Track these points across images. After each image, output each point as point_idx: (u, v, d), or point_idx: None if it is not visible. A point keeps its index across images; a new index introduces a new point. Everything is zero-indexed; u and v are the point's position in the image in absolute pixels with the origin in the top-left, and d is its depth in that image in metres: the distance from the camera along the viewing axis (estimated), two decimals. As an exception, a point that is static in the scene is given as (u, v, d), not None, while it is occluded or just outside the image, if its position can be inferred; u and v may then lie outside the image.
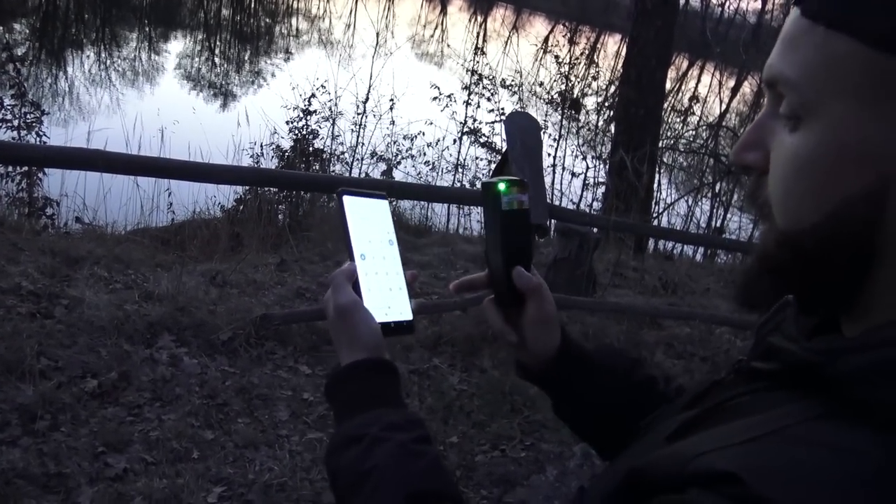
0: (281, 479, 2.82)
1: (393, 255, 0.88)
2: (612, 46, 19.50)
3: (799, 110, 0.52)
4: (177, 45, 15.79)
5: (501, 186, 0.79)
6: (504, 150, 4.12)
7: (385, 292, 0.85)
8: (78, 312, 3.55)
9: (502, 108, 8.75)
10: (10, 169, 5.50)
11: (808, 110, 0.52)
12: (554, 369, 0.87)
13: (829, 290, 0.55)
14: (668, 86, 12.34)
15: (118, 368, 3.20)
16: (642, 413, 0.83)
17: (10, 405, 2.84)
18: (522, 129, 3.95)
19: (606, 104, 10.61)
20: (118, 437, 2.83)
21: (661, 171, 8.93)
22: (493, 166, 8.25)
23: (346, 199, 0.84)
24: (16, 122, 5.80)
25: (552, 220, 5.39)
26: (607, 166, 8.67)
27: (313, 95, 7.33)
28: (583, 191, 8.71)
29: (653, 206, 8.35)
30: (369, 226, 0.86)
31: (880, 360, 0.48)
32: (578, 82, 10.36)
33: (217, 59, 15.17)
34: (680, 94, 14.49)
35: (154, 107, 7.84)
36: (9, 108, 5.87)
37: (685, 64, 17.39)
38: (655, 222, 8.01)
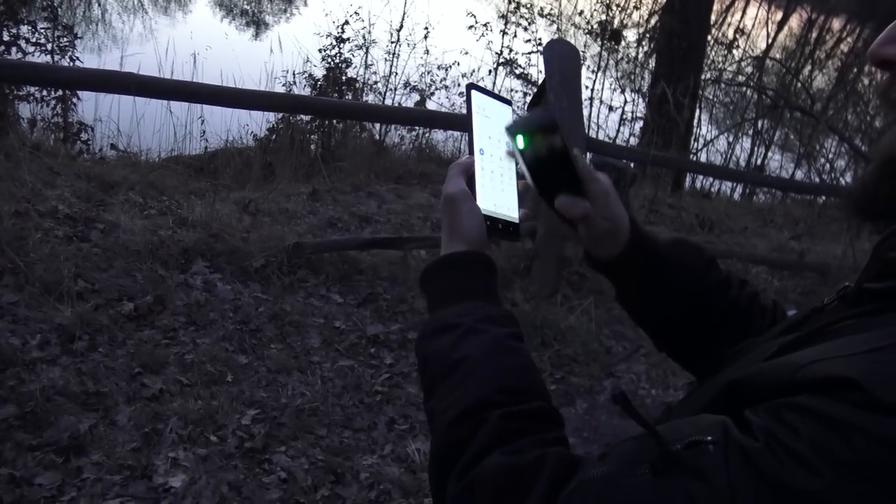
0: (313, 404, 2.86)
1: (510, 160, 0.87)
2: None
3: None
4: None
5: (521, 143, 0.77)
6: (542, 79, 3.99)
7: (498, 192, 0.84)
8: (114, 237, 3.58)
9: (539, 39, 8.49)
10: (44, 93, 5.51)
11: None
12: (622, 263, 0.83)
13: None
14: (713, 18, 11.88)
15: (153, 292, 3.24)
16: (708, 313, 0.83)
17: (49, 325, 2.89)
18: (561, 57, 3.82)
19: (647, 36, 10.24)
20: (154, 358, 2.88)
21: (702, 106, 8.65)
22: (528, 99, 8.07)
23: (474, 94, 0.85)
24: (49, 47, 5.77)
25: (589, 154, 5.28)
26: (646, 100, 8.43)
27: (346, 23, 7.17)
28: (620, 125, 8.50)
29: (692, 142, 8.13)
30: (492, 125, 0.86)
31: None
32: (619, 12, 10.00)
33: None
34: (725, 26, 13.95)
35: (186, 33, 7.75)
36: (42, 31, 5.83)
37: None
38: (694, 159, 7.81)
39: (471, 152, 0.82)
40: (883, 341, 0.47)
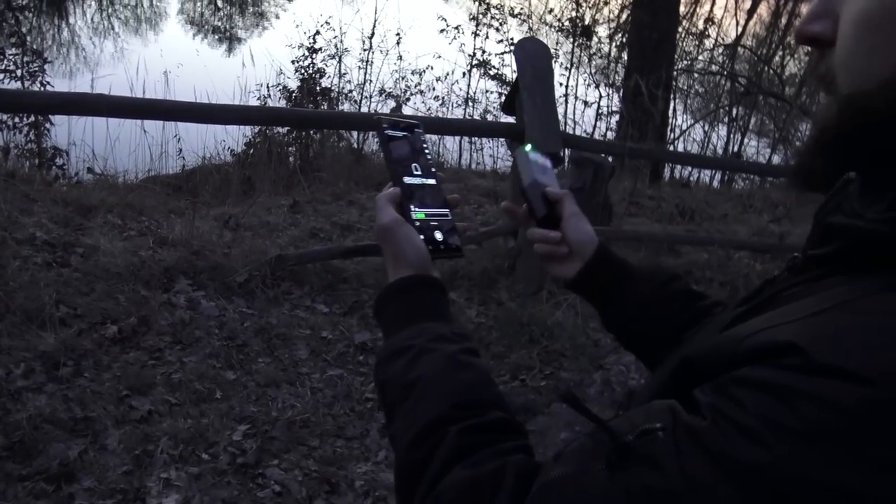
0: (304, 416, 2.85)
1: (434, 182, 0.90)
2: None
3: None
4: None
5: (528, 147, 0.95)
6: (515, 78, 4.01)
7: (431, 216, 0.86)
8: (94, 260, 3.55)
9: (511, 39, 8.52)
10: (16, 120, 5.46)
11: None
12: (591, 272, 0.91)
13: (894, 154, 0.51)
14: (683, 10, 11.97)
15: (137, 313, 3.21)
16: (683, 325, 0.84)
17: (33, 353, 2.87)
18: (533, 55, 3.84)
19: (619, 30, 10.30)
20: (141, 380, 2.86)
21: (676, 96, 8.71)
22: (503, 99, 8.09)
23: (385, 127, 0.89)
24: (19, 73, 5.72)
25: (566, 150, 5.30)
26: (621, 93, 8.47)
27: (317, 33, 7.16)
28: (596, 120, 8.54)
29: (668, 133, 8.19)
30: (409, 153, 0.90)
31: None
32: (589, 8, 10.05)
33: (219, 2, 14.86)
34: (695, 17, 14.05)
35: (158, 51, 7.71)
36: (11, 57, 5.78)
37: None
38: (672, 149, 7.86)
39: (394, 182, 0.86)
40: (824, 304, 0.47)
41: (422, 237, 0.82)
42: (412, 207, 0.84)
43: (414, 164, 0.88)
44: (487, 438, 0.63)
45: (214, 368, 3.04)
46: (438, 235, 0.85)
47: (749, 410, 0.44)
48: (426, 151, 0.91)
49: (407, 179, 0.86)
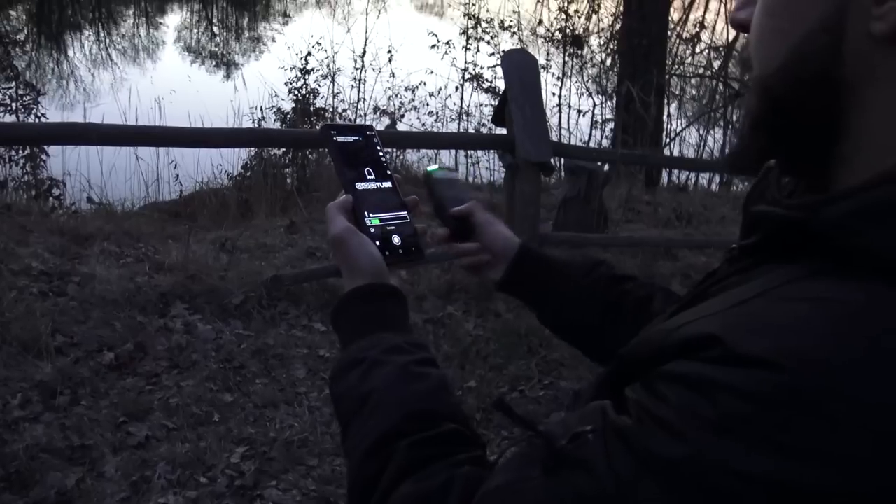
0: (302, 436, 2.84)
1: (390, 184, 0.87)
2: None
3: None
4: (171, 17, 15.61)
5: (432, 168, 0.98)
6: (503, 90, 4.03)
7: (387, 220, 0.84)
8: (90, 288, 3.56)
9: (503, 51, 8.57)
10: (13, 152, 5.50)
11: None
12: (516, 271, 0.93)
13: (803, 138, 0.52)
14: (676, 15, 12.01)
15: (133, 340, 3.22)
16: (609, 311, 0.87)
17: (30, 383, 2.87)
18: (520, 66, 3.86)
19: (611, 38, 10.35)
20: (138, 406, 2.86)
21: (670, 101, 8.73)
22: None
23: (333, 133, 0.87)
24: (14, 106, 5.78)
25: (559, 159, 5.31)
26: (614, 101, 8.49)
27: (309, 54, 7.21)
28: (591, 128, 8.56)
29: (663, 137, 8.19)
30: (362, 157, 0.87)
31: (861, 206, 0.45)
32: (579, 17, 10.10)
33: (212, 27, 14.99)
34: (688, 23, 14.11)
35: (151, 79, 7.77)
36: (4, 90, 5.84)
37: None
38: (667, 153, 7.87)
39: (346, 189, 0.84)
40: (747, 294, 0.47)
41: (378, 244, 0.80)
42: (366, 213, 0.82)
43: (367, 169, 0.86)
44: (439, 451, 0.62)
45: (212, 391, 3.03)
46: (396, 240, 0.83)
47: (671, 404, 0.44)
48: (380, 154, 0.89)
49: (360, 185, 0.84)
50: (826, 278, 0.45)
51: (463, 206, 0.94)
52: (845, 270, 0.44)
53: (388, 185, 0.87)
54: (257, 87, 7.18)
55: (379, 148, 0.89)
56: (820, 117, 0.50)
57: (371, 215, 0.83)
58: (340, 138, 0.87)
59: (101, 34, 13.40)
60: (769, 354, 0.41)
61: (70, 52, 11.75)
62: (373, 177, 0.86)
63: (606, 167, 5.30)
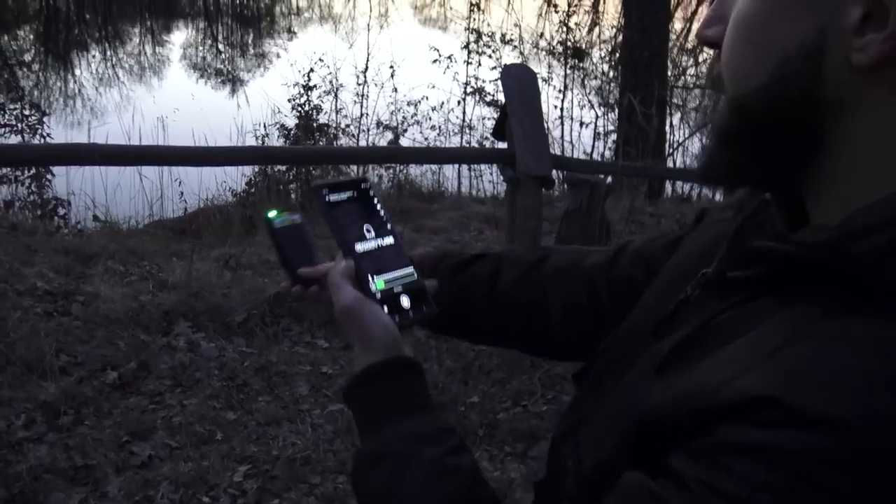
0: (304, 453, 2.84)
1: (392, 240, 0.81)
2: (616, -9, 19.04)
3: None
4: (176, 35, 15.75)
5: (272, 213, 0.88)
6: (502, 103, 4.05)
7: (393, 281, 0.78)
8: (94, 307, 3.58)
9: (505, 64, 8.62)
10: (18, 173, 5.55)
11: None
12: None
13: (779, 153, 0.52)
14: (678, 26, 12.04)
15: (137, 358, 3.23)
16: (458, 297, 0.87)
17: (34, 403, 2.89)
18: (519, 79, 3.87)
19: (612, 50, 10.38)
20: (141, 425, 2.87)
21: (672, 112, 8.73)
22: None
23: (325, 192, 0.80)
24: (19, 126, 5.83)
25: (560, 172, 5.32)
26: (616, 112, 8.51)
27: (312, 70, 7.26)
28: (594, 140, 8.58)
29: (666, 148, 8.20)
30: (358, 215, 0.81)
31: (892, 241, 0.44)
32: (580, 29, 10.15)
33: (216, 45, 15.10)
34: (690, 33, 14.15)
35: (155, 97, 7.83)
36: (11, 111, 5.90)
37: (694, 2, 16.93)
38: (670, 164, 7.86)
39: (345, 252, 0.78)
40: (776, 338, 0.45)
41: (386, 309, 0.74)
42: (370, 278, 0.76)
43: (366, 226, 0.80)
44: None
45: (215, 410, 3.04)
46: (405, 302, 0.77)
47: (736, 478, 0.41)
48: (378, 208, 0.83)
49: (359, 247, 0.78)
50: (854, 316, 0.43)
51: (313, 269, 0.88)
52: (866, 304, 0.43)
53: (389, 240, 0.81)
54: (261, 103, 7.23)
55: (376, 201, 0.83)
56: (798, 132, 0.50)
57: (375, 279, 0.77)
58: (333, 196, 0.80)
59: (108, 53, 13.52)
60: (833, 412, 0.39)
61: (76, 71, 11.85)
62: (372, 234, 0.80)
63: (609, 179, 5.31)
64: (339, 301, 0.73)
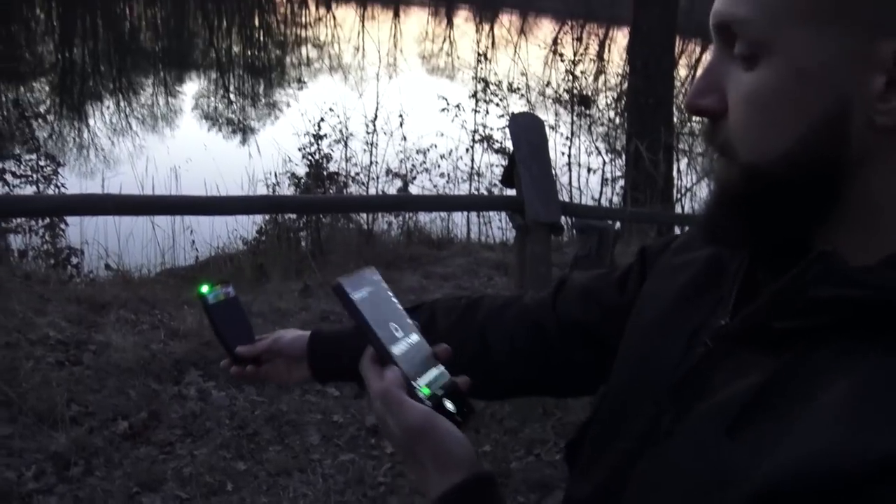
0: (315, 504, 2.81)
1: (417, 336, 0.73)
2: (622, 39, 19.36)
3: (755, 48, 0.52)
4: (189, 85, 16.04)
5: (204, 289, 0.88)
6: (510, 151, 4.10)
7: (433, 384, 0.70)
8: (105, 356, 3.59)
9: (512, 113, 8.74)
10: (32, 223, 5.62)
11: (764, 46, 0.52)
12: (312, 358, 0.97)
13: (801, 212, 0.54)
14: (684, 73, 12.21)
15: (148, 408, 3.23)
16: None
17: (44, 454, 2.87)
18: (526, 128, 3.93)
19: (618, 97, 10.52)
20: (151, 476, 2.85)
21: (679, 157, 8.81)
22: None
23: (347, 291, 0.70)
24: (35, 177, 5.93)
25: (569, 218, 5.34)
26: (623, 158, 8.58)
27: (322, 119, 7.37)
28: (602, 186, 8.64)
29: (674, 193, 8.24)
30: (382, 312, 0.71)
31: None
32: (586, 77, 10.30)
33: (228, 95, 15.37)
34: (695, 80, 14.31)
35: (168, 147, 7.95)
36: (27, 162, 6.01)
37: (698, 49, 17.19)
38: (679, 208, 7.89)
39: (383, 359, 0.69)
40: (882, 396, 0.45)
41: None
42: (416, 385, 0.68)
43: (392, 325, 0.71)
44: None
45: (225, 459, 3.02)
46: (450, 406, 0.68)
47: None
48: (392, 298, 0.74)
49: (395, 349, 0.69)
50: None
51: (251, 347, 0.91)
52: None
53: (415, 337, 0.72)
54: (272, 153, 7.33)
55: (391, 294, 0.75)
56: (818, 189, 0.52)
57: (420, 384, 0.68)
58: (357, 295, 0.70)
59: (121, 103, 13.76)
60: None
61: (90, 122, 12.06)
62: (401, 333, 0.71)
63: (617, 225, 5.33)
64: (407, 421, 0.65)
